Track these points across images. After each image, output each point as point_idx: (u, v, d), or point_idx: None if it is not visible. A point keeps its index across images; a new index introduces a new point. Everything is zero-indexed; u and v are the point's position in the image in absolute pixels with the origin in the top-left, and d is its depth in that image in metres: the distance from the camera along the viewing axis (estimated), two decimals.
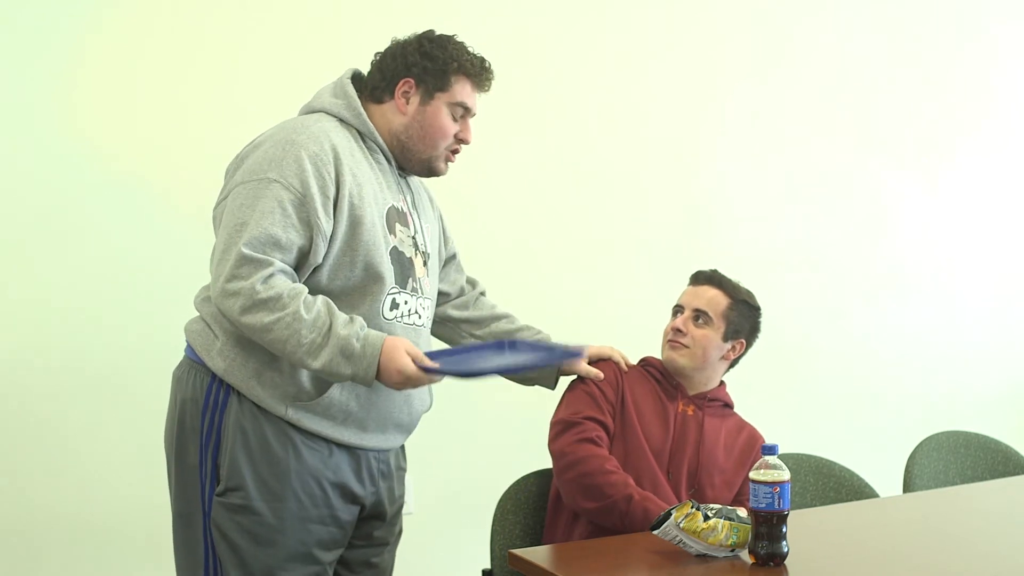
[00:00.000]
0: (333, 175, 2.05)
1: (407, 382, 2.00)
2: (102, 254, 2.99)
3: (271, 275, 1.96)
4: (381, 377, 2.00)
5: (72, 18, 2.94)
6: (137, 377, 2.97)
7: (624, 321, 3.70)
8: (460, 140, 2.23)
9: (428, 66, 2.17)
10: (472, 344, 2.36)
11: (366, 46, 3.28)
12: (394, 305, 2.14)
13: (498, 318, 2.47)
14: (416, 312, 2.20)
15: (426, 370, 2.00)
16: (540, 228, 3.62)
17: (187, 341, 2.17)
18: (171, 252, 3.04)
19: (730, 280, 2.56)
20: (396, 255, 2.14)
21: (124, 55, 3.01)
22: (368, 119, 2.16)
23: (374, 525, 2.27)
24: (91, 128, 2.98)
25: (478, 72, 2.20)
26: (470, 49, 2.21)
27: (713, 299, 2.52)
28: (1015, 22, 4.57)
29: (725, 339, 2.51)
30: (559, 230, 3.66)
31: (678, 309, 2.55)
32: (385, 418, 2.17)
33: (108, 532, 3.01)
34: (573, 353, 2.28)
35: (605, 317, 3.70)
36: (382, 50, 2.25)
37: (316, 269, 2.06)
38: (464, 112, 2.21)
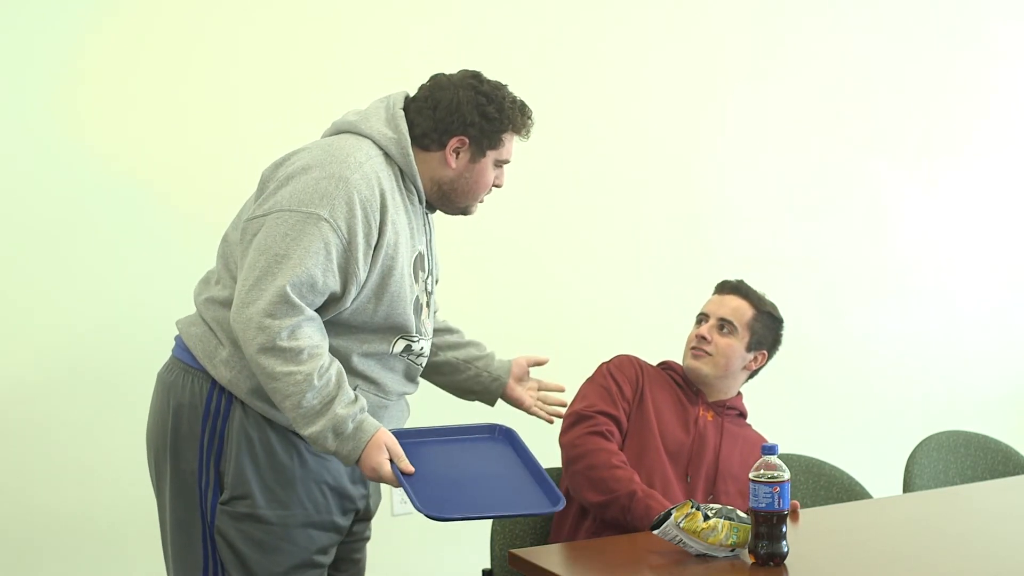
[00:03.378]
0: (378, 223, 2.04)
1: (378, 480, 2.01)
2: (102, 255, 2.99)
3: (299, 325, 1.94)
4: (358, 463, 1.99)
5: (71, 18, 2.93)
6: (137, 377, 2.94)
7: (624, 321, 3.71)
8: (495, 186, 2.24)
9: (485, 127, 2.13)
10: (457, 427, 2.21)
11: (365, 47, 3.30)
12: (407, 349, 2.16)
13: (450, 331, 2.43)
14: (423, 354, 2.22)
15: (398, 475, 1.97)
16: (540, 228, 3.62)
17: (182, 343, 2.14)
18: (171, 252, 3.04)
19: (755, 291, 2.59)
20: (416, 304, 2.15)
21: (124, 56, 3.01)
22: (413, 161, 2.13)
23: (360, 524, 2.29)
24: (90, 129, 2.97)
25: (524, 126, 2.20)
26: (517, 99, 2.19)
27: (738, 309, 2.55)
28: (1015, 22, 4.56)
29: (748, 349, 2.54)
30: (559, 230, 3.66)
31: (703, 317, 2.58)
32: (377, 413, 2.16)
33: (108, 532, 3.01)
34: (555, 504, 2.02)
35: (605, 317, 3.70)
36: (426, 84, 2.18)
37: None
38: (503, 163, 2.22)
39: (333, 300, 2.03)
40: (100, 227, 2.99)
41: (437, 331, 2.40)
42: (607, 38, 3.72)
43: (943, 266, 4.44)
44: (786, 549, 1.98)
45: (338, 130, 2.17)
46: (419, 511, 1.93)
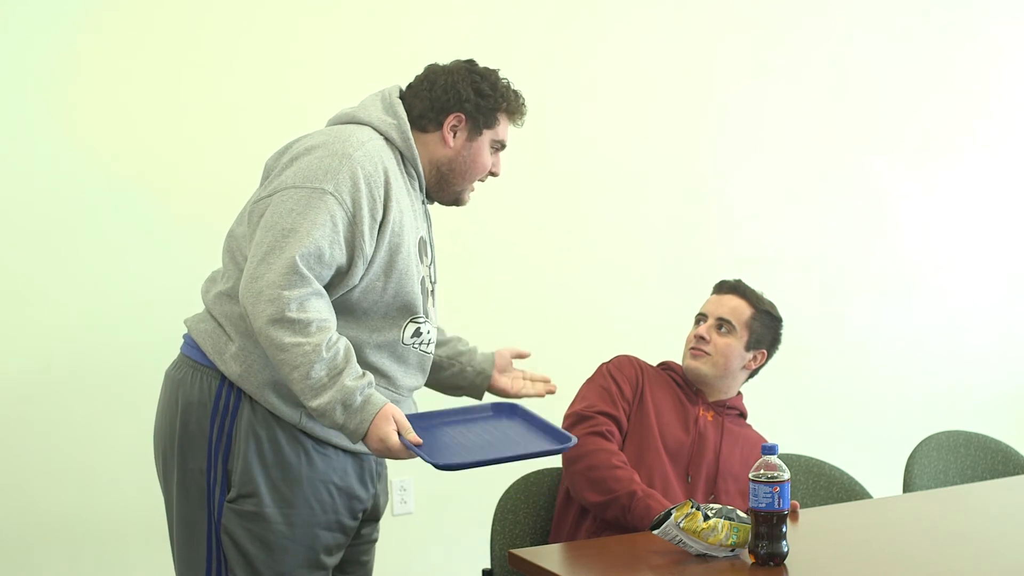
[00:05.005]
0: (382, 198, 2.06)
1: (386, 452, 1.99)
2: (101, 254, 2.99)
3: (307, 298, 1.95)
4: (365, 438, 1.99)
5: (69, 18, 2.93)
6: (137, 378, 2.96)
7: (624, 321, 3.71)
8: (491, 173, 2.26)
9: (480, 103, 2.18)
10: (466, 408, 2.22)
11: (364, 46, 3.30)
12: (416, 333, 2.17)
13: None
14: (431, 341, 2.23)
15: (408, 444, 1.97)
16: (540, 228, 3.62)
17: (191, 340, 2.15)
18: (171, 252, 3.05)
19: (753, 290, 2.59)
20: (423, 285, 2.17)
21: (121, 56, 3.01)
22: (414, 144, 2.16)
23: (368, 525, 2.29)
24: (88, 129, 2.97)
25: (519, 110, 2.24)
26: (511, 84, 2.24)
27: (736, 308, 2.55)
28: (1014, 22, 4.57)
29: (747, 348, 2.54)
30: (559, 230, 3.66)
31: (701, 317, 2.58)
32: None
33: (108, 533, 3.01)
34: (565, 443, 2.07)
35: (604, 317, 3.70)
36: (421, 74, 2.23)
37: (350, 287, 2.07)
38: (500, 147, 2.25)
39: (339, 275, 2.04)
40: (101, 227, 2.99)
41: None
42: (606, 38, 3.73)
43: (943, 266, 4.44)
44: (786, 549, 1.98)
45: (336, 123, 2.20)
46: (430, 463, 1.94)
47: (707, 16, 3.91)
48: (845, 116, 4.19)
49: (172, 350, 2.25)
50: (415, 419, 2.07)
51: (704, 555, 2.00)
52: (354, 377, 1.97)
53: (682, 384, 2.55)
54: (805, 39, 4.12)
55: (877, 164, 4.27)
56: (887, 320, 4.31)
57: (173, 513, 2.16)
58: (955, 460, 3.03)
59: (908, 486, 2.89)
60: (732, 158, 3.97)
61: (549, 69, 3.61)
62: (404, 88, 2.23)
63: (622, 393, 2.47)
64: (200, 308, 2.23)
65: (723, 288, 2.62)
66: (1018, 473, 3.02)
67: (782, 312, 2.63)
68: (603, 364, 2.58)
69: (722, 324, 2.54)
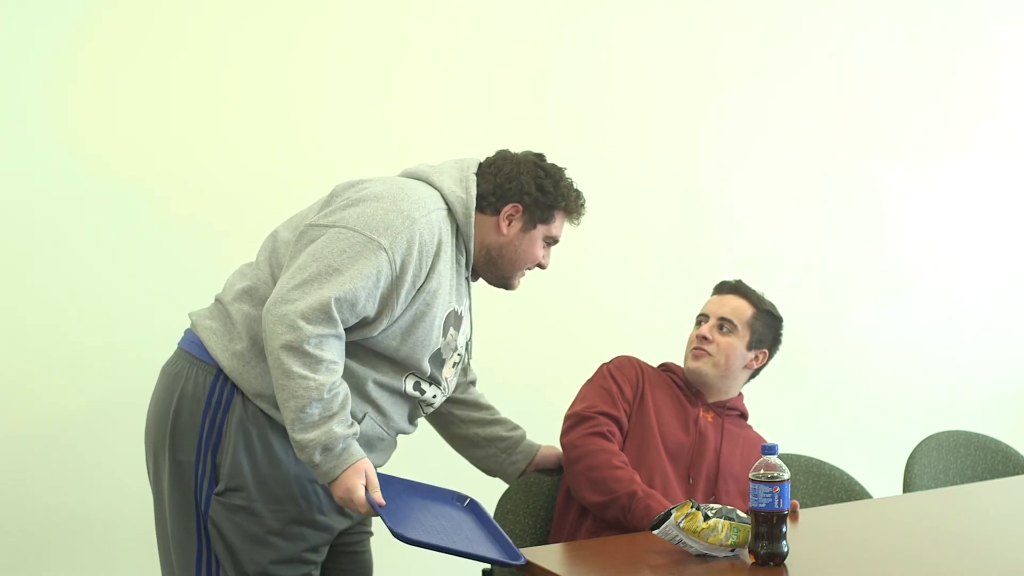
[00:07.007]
0: (428, 268, 2.11)
1: (349, 503, 2.02)
2: (99, 255, 2.98)
3: (328, 338, 2.00)
4: (333, 483, 2.02)
5: (68, 19, 2.93)
6: (136, 378, 2.96)
7: (624, 321, 3.71)
8: (539, 266, 2.31)
9: (540, 199, 2.24)
10: (429, 486, 2.25)
11: (361, 49, 3.29)
12: (417, 386, 2.21)
13: (479, 407, 2.50)
14: (431, 403, 2.27)
15: (372, 502, 2.00)
16: None
17: (191, 336, 2.18)
18: (169, 253, 3.04)
19: (754, 290, 2.61)
20: (437, 355, 2.20)
21: (120, 57, 3.01)
22: (473, 223, 2.20)
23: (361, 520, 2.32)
24: (87, 130, 2.97)
25: (577, 211, 2.31)
26: (574, 185, 2.30)
27: (738, 308, 2.56)
28: (1014, 23, 4.56)
29: (749, 348, 2.55)
30: None
31: (703, 318, 2.59)
32: (375, 444, 2.23)
33: (108, 532, 3.01)
34: (514, 559, 2.04)
35: (605, 317, 3.70)
36: (494, 155, 2.28)
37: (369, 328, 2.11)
38: (552, 242, 2.30)
39: (363, 324, 2.09)
40: (99, 228, 2.98)
41: (468, 404, 2.48)
42: (607, 37, 3.72)
43: (943, 266, 4.44)
44: (786, 549, 1.98)
45: (410, 177, 2.24)
46: (389, 527, 1.96)
47: (708, 16, 3.91)
48: (845, 116, 4.19)
49: (170, 350, 2.25)
50: (384, 480, 2.10)
51: (704, 555, 2.00)
52: (344, 425, 2.01)
53: (682, 385, 2.56)
54: (805, 39, 4.12)
55: (877, 164, 4.27)
56: (887, 320, 4.31)
57: (165, 507, 2.19)
58: (955, 460, 3.03)
59: (908, 486, 2.89)
60: (732, 158, 3.97)
61: (549, 69, 3.60)
62: (482, 162, 2.28)
63: (623, 393, 2.48)
64: (201, 305, 2.24)
65: (724, 288, 2.63)
66: (1018, 473, 3.02)
67: (782, 312, 2.63)
68: (603, 364, 2.59)
69: (723, 324, 2.55)
